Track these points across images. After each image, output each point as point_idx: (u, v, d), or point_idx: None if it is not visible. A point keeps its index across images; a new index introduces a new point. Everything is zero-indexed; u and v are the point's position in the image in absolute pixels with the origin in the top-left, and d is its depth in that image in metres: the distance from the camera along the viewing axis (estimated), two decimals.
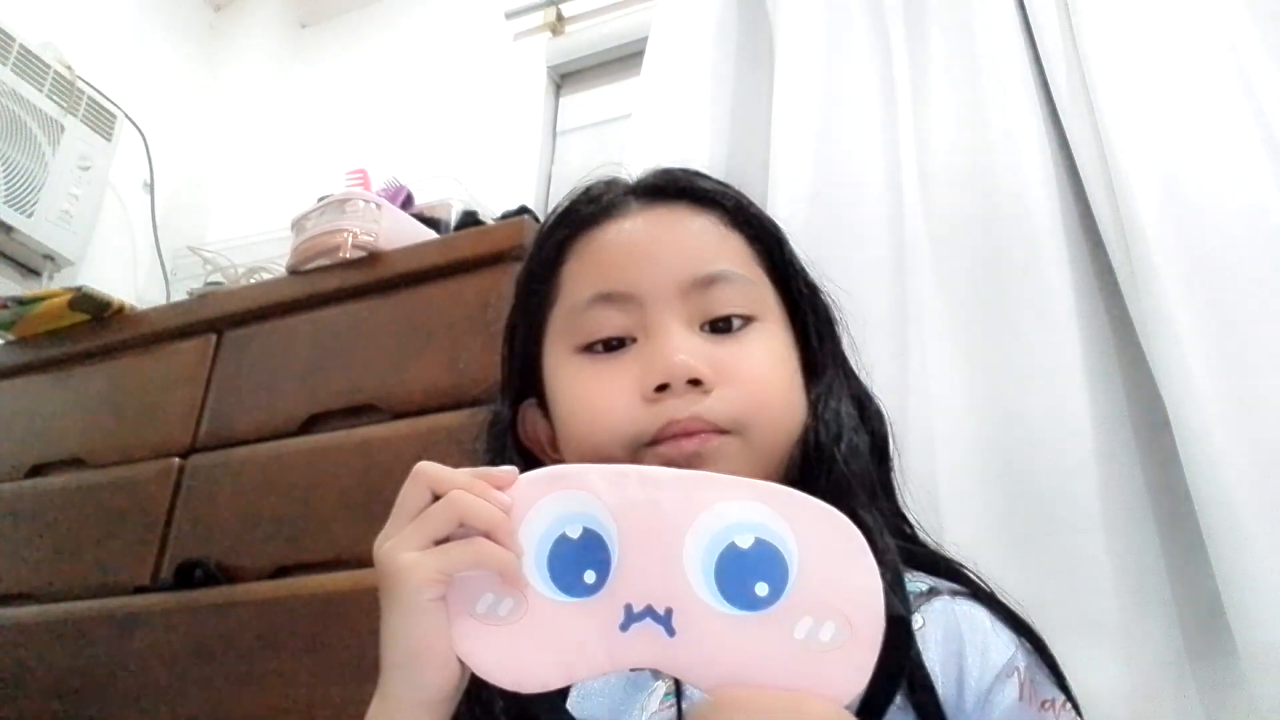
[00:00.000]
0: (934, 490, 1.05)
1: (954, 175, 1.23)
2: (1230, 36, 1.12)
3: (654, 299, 0.63)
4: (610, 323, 0.63)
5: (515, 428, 0.69)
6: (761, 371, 0.63)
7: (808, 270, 0.72)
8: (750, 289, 0.66)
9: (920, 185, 1.25)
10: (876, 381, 0.74)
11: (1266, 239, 1.00)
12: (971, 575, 0.66)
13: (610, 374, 0.62)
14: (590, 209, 0.69)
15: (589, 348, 0.63)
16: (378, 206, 1.27)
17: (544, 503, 0.50)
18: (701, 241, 0.67)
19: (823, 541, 0.46)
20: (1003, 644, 0.58)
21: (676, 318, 0.62)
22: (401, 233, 1.26)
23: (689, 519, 0.47)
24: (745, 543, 0.46)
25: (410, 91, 2.12)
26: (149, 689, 1.08)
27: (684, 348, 0.60)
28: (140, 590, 1.16)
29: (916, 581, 0.62)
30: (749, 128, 1.40)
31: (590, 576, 0.48)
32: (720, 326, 0.63)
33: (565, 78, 1.96)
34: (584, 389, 0.63)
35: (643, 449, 0.60)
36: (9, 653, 1.20)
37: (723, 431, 0.60)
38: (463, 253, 1.18)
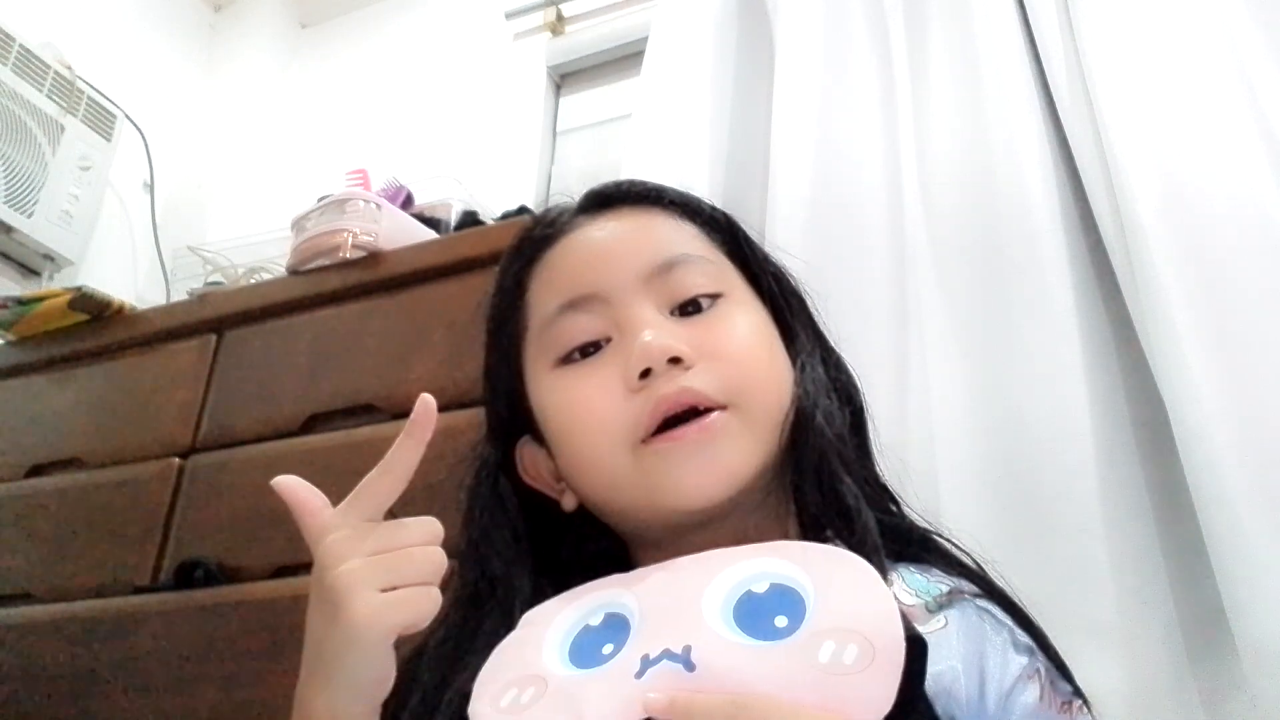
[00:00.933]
0: (934, 490, 1.05)
1: (954, 175, 1.23)
2: (1230, 35, 1.12)
3: (619, 294, 0.63)
4: (581, 327, 0.63)
5: (515, 470, 0.69)
6: (740, 341, 0.63)
7: (767, 252, 0.73)
8: (712, 268, 0.66)
9: (920, 185, 1.26)
10: (876, 382, 0.75)
11: (1266, 239, 1.00)
12: (944, 541, 0.66)
13: (591, 377, 0.62)
14: (541, 232, 0.70)
15: (566, 359, 0.63)
16: (378, 206, 1.27)
17: (566, 613, 0.52)
18: (656, 233, 0.67)
19: (835, 575, 0.46)
20: (1023, 646, 0.58)
21: (646, 307, 0.62)
22: (401, 233, 1.26)
23: (706, 579, 0.48)
24: (761, 588, 0.46)
25: (410, 91, 2.12)
26: (149, 689, 1.08)
27: (657, 330, 0.60)
28: (140, 590, 1.16)
29: (937, 583, 0.61)
30: (749, 128, 1.40)
31: (608, 649, 0.48)
32: (690, 309, 0.64)
33: (565, 78, 1.97)
34: (569, 398, 0.63)
35: (640, 446, 0.59)
36: (9, 652, 1.20)
37: (719, 407, 0.59)
38: (463, 253, 1.18)
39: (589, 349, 0.63)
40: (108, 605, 1.17)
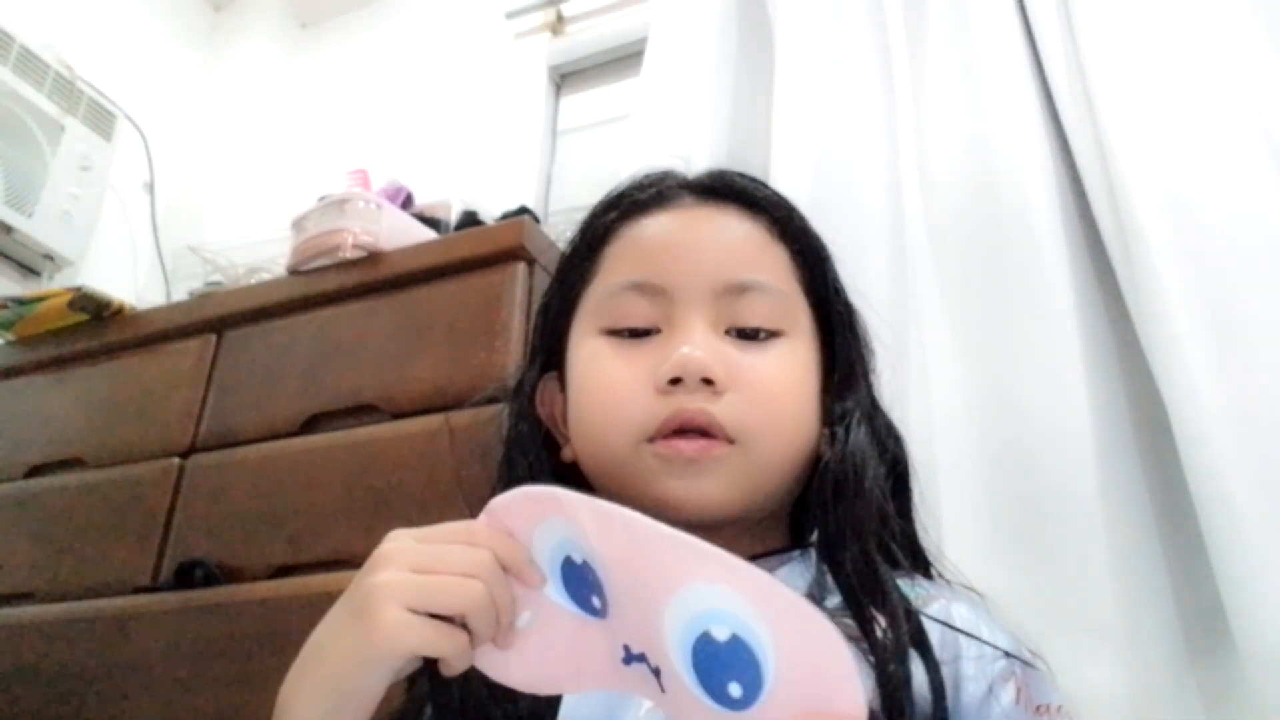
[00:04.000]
0: (934, 489, 1.05)
1: (954, 174, 1.23)
2: (1229, 34, 1.12)
3: (684, 295, 0.63)
4: (638, 311, 0.64)
5: (533, 397, 0.70)
6: (776, 385, 0.63)
7: (848, 293, 0.71)
8: (783, 303, 0.66)
9: (920, 184, 1.26)
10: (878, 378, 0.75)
11: (1266, 238, 1.00)
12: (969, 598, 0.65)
13: (629, 361, 0.62)
14: (642, 195, 0.70)
15: (614, 332, 0.64)
16: (378, 206, 1.27)
17: (544, 527, 0.48)
18: (744, 248, 0.67)
19: (804, 647, 0.41)
20: (1001, 650, 0.58)
21: (703, 317, 0.63)
22: (402, 232, 1.26)
23: (668, 592, 0.44)
24: (721, 635, 0.42)
25: (410, 91, 2.12)
26: (149, 689, 1.08)
27: (702, 346, 0.60)
28: (140, 590, 1.16)
29: (918, 588, 0.62)
30: (749, 128, 1.40)
31: (597, 601, 0.47)
32: (746, 334, 0.64)
33: (565, 78, 1.97)
34: (601, 370, 0.63)
35: (645, 443, 0.60)
36: (8, 652, 1.20)
37: (727, 441, 0.60)
38: (463, 252, 1.18)
39: (639, 331, 0.64)
40: (107, 605, 1.17)
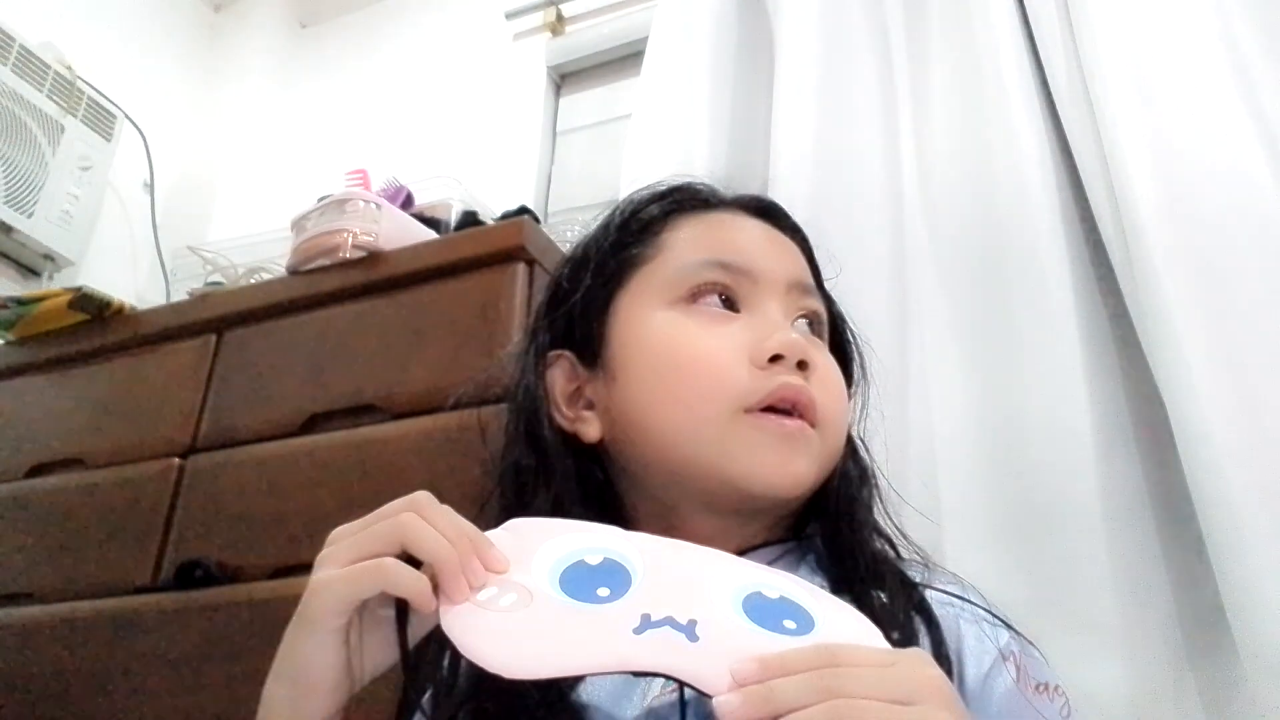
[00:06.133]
0: (934, 490, 1.06)
1: (954, 176, 1.23)
2: (1230, 37, 1.12)
3: (768, 282, 0.66)
4: (724, 286, 0.65)
5: (543, 371, 0.69)
6: (839, 383, 0.67)
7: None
8: (823, 308, 0.71)
9: (920, 186, 1.26)
10: (876, 382, 0.77)
11: (1267, 240, 1.00)
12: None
13: (720, 330, 0.63)
14: (696, 195, 0.73)
15: (694, 299, 0.65)
16: (378, 206, 1.27)
17: (567, 537, 0.49)
18: (800, 261, 0.71)
19: (839, 616, 0.47)
20: (997, 630, 0.59)
21: (780, 305, 0.66)
22: (401, 233, 1.26)
23: (717, 567, 0.48)
24: (771, 594, 0.46)
25: (410, 91, 2.12)
26: (149, 688, 1.08)
27: (797, 333, 0.64)
28: (140, 590, 1.16)
29: (913, 571, 0.64)
30: (749, 128, 1.40)
31: (604, 591, 0.46)
32: (810, 327, 0.68)
33: (565, 78, 1.96)
34: (690, 339, 0.63)
35: (742, 414, 0.61)
36: (9, 652, 1.20)
37: (814, 425, 0.62)
38: (463, 253, 1.18)
39: (726, 300, 0.65)
40: (108, 605, 1.17)
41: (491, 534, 0.51)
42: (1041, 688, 0.57)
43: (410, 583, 0.47)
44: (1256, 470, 0.90)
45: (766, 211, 0.74)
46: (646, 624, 0.44)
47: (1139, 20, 1.15)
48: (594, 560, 0.48)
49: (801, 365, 0.62)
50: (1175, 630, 0.96)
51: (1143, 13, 1.16)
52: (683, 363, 0.63)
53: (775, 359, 0.61)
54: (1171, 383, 0.97)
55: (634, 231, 0.70)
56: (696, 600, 0.45)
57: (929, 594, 0.60)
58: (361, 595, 0.48)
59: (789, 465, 0.61)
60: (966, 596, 0.61)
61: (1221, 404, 0.93)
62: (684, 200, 0.72)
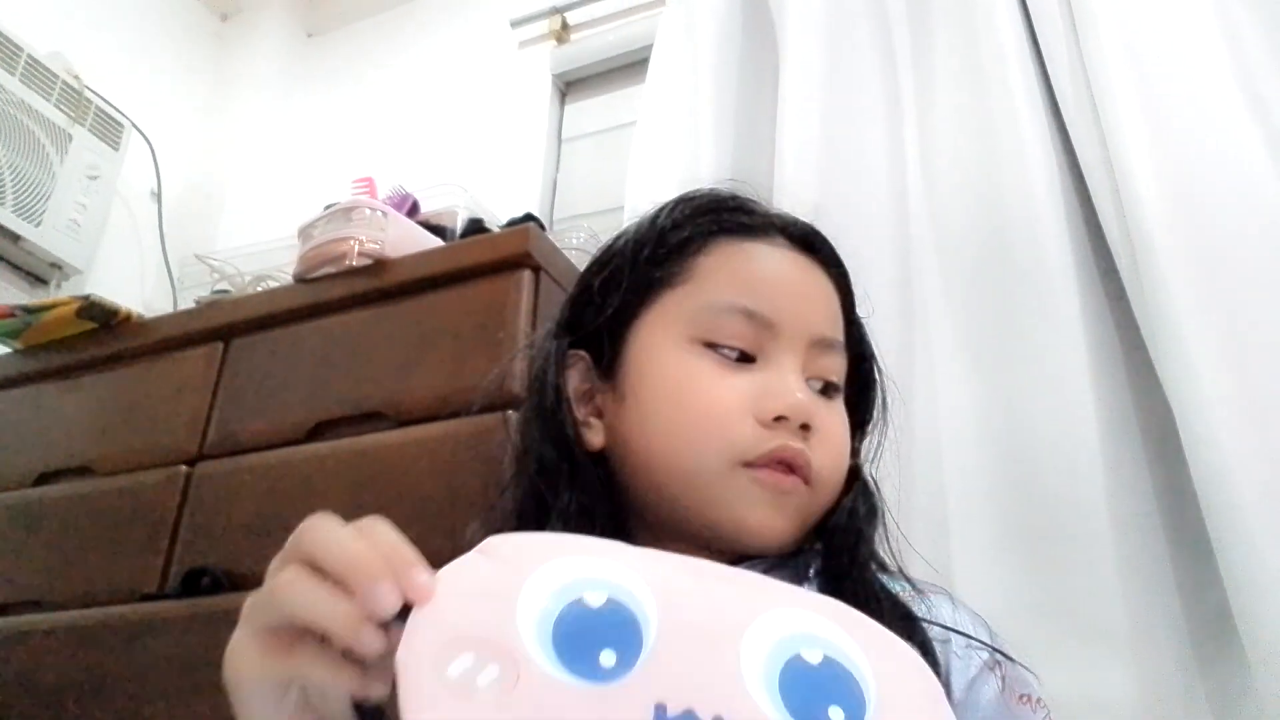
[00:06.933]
0: (941, 497, 1.05)
1: (959, 182, 1.23)
2: (1235, 42, 1.12)
3: (790, 337, 0.65)
4: (743, 335, 0.65)
5: (561, 368, 0.69)
6: (841, 439, 0.67)
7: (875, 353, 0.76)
8: (843, 362, 0.70)
9: (926, 192, 1.26)
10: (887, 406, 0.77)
11: (1273, 244, 1.00)
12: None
13: (730, 383, 0.63)
14: (740, 219, 0.70)
15: (712, 346, 0.65)
16: (384, 214, 1.27)
17: (562, 562, 0.40)
18: (832, 306, 0.70)
19: (900, 676, 0.39)
20: (983, 640, 0.60)
21: (797, 361, 0.65)
22: (407, 240, 1.26)
23: (744, 622, 0.39)
24: (813, 658, 0.38)
25: (416, 100, 2.13)
26: (156, 696, 1.08)
27: (803, 392, 0.63)
28: (147, 598, 1.17)
29: (898, 582, 0.64)
30: (753, 135, 1.40)
31: (609, 658, 0.37)
32: (822, 389, 0.67)
33: (570, 86, 1.97)
34: (702, 386, 0.64)
35: (739, 466, 0.61)
36: (16, 659, 1.20)
37: (807, 484, 0.63)
38: (469, 260, 1.18)
39: (740, 356, 0.65)
40: (115, 613, 1.17)
41: (464, 561, 0.41)
42: (1025, 699, 0.58)
43: (331, 680, 0.40)
44: (1264, 475, 0.90)
45: (808, 243, 0.72)
46: (660, 718, 0.36)
47: (1143, 24, 1.16)
48: (595, 600, 0.39)
49: (804, 427, 0.62)
50: (1183, 636, 0.96)
51: (1147, 17, 1.16)
52: (688, 405, 0.63)
53: (779, 419, 0.62)
54: (1178, 388, 0.97)
55: (671, 247, 0.69)
56: (723, 683, 0.37)
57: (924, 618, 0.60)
58: (281, 682, 0.42)
59: (775, 521, 0.62)
60: (956, 628, 0.60)
61: (1228, 409, 0.93)
62: (721, 222, 0.70)
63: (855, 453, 0.71)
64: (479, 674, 0.36)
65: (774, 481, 0.61)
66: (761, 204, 0.74)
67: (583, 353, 0.70)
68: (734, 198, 0.73)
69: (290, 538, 0.43)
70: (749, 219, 0.71)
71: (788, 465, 0.62)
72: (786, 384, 0.63)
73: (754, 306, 0.65)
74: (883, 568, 0.66)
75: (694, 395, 0.63)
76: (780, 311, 0.65)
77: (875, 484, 0.71)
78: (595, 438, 0.67)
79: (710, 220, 0.70)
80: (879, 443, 0.75)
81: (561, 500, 0.63)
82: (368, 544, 0.42)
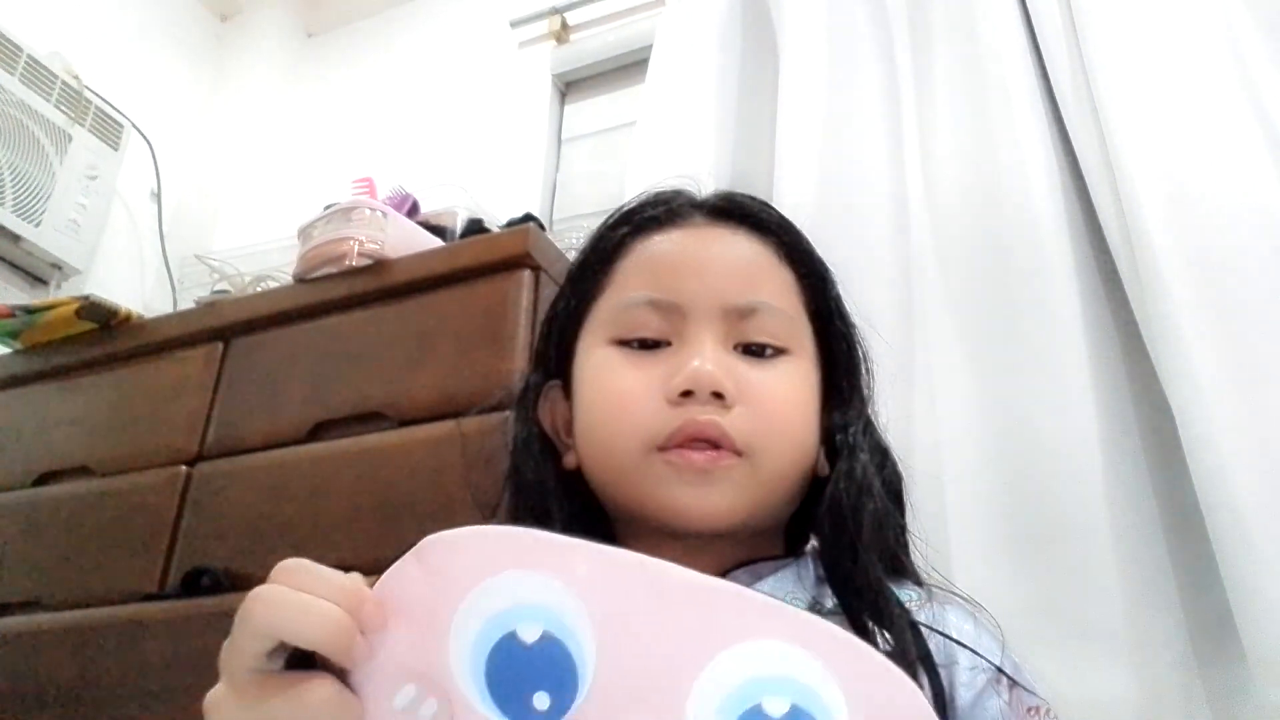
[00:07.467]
0: (941, 500, 1.05)
1: (959, 183, 1.23)
2: (1235, 44, 1.12)
3: (697, 313, 0.64)
4: (651, 325, 0.65)
5: (537, 403, 0.70)
6: (781, 399, 0.64)
7: (849, 312, 0.73)
8: (787, 323, 0.67)
9: (926, 194, 1.26)
10: (882, 390, 0.75)
11: (1273, 247, 1.00)
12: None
13: (640, 370, 0.63)
14: (654, 212, 0.71)
15: (625, 342, 0.65)
16: (384, 214, 1.27)
17: (498, 581, 0.37)
18: (751, 269, 0.68)
19: (879, 705, 0.34)
20: (990, 651, 0.59)
21: (713, 334, 0.64)
22: (407, 240, 1.26)
23: (705, 655, 0.35)
24: (776, 708, 0.34)
25: (416, 100, 2.13)
26: (157, 696, 1.08)
27: (713, 360, 0.61)
28: (148, 598, 1.17)
29: (908, 591, 0.63)
30: (753, 136, 1.40)
31: (542, 701, 0.35)
32: (753, 350, 0.65)
33: (570, 86, 1.97)
34: (611, 379, 0.64)
35: (655, 452, 0.60)
36: (17, 660, 1.20)
37: (736, 453, 0.60)
38: (468, 260, 1.18)
39: (649, 343, 0.65)
40: (115, 613, 1.17)
41: (399, 566, 0.40)
42: (1032, 710, 0.58)
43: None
44: (1264, 477, 0.90)
45: (729, 213, 0.70)
46: None
47: (1143, 27, 1.16)
48: (530, 635, 0.36)
49: (719, 396, 0.60)
50: (1183, 637, 0.96)
51: (1147, 20, 1.16)
52: (602, 402, 0.64)
53: (687, 394, 0.61)
54: (1178, 389, 0.97)
55: (600, 257, 0.70)
56: None
57: (930, 626, 0.60)
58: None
59: (704, 500, 0.60)
60: (961, 641, 0.60)
61: (1228, 410, 0.93)
62: (640, 222, 0.70)
63: (844, 423, 0.66)
64: (420, 706, 0.37)
65: (685, 462, 0.60)
66: (689, 192, 0.73)
67: (557, 381, 0.71)
68: (657, 195, 0.73)
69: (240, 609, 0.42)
70: (658, 210, 0.71)
71: (708, 441, 0.60)
72: (691, 358, 0.61)
73: (656, 295, 0.65)
74: (895, 569, 0.64)
75: (606, 391, 0.64)
76: (682, 292, 0.64)
77: (886, 455, 0.67)
78: (571, 459, 0.68)
79: (627, 224, 0.71)
80: (854, 409, 0.69)
81: (552, 518, 0.64)
82: (319, 582, 0.41)
